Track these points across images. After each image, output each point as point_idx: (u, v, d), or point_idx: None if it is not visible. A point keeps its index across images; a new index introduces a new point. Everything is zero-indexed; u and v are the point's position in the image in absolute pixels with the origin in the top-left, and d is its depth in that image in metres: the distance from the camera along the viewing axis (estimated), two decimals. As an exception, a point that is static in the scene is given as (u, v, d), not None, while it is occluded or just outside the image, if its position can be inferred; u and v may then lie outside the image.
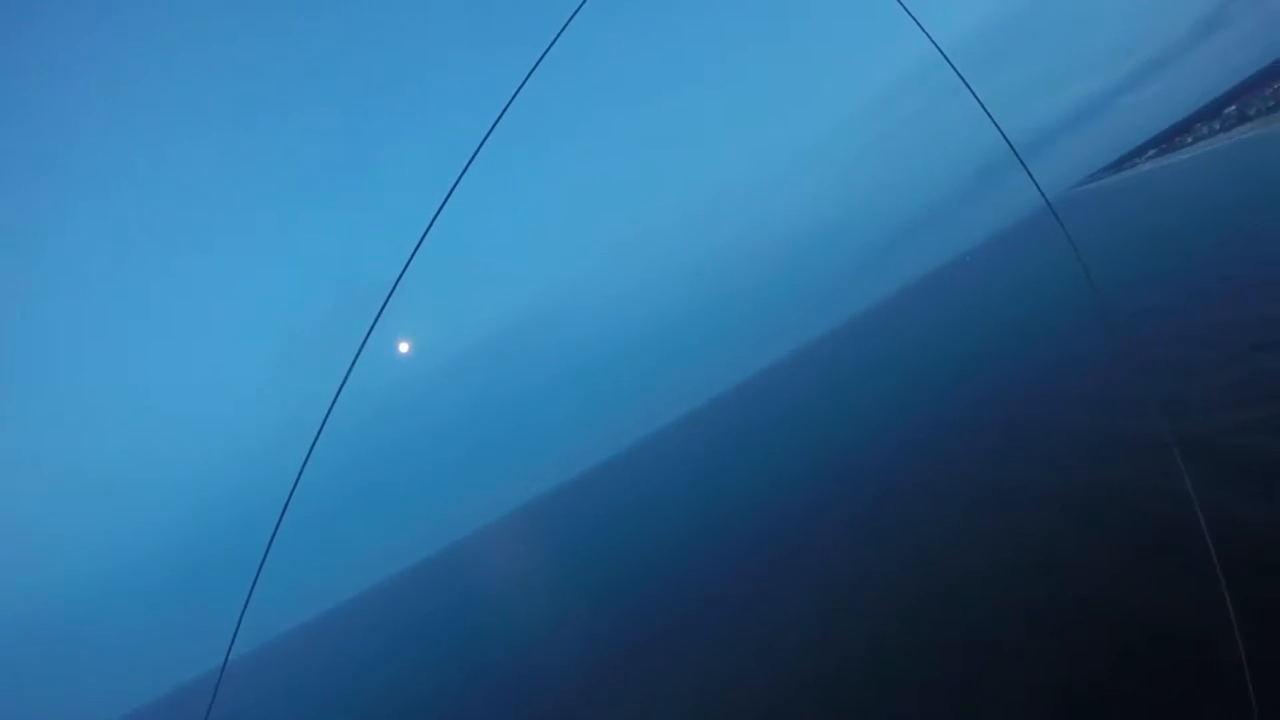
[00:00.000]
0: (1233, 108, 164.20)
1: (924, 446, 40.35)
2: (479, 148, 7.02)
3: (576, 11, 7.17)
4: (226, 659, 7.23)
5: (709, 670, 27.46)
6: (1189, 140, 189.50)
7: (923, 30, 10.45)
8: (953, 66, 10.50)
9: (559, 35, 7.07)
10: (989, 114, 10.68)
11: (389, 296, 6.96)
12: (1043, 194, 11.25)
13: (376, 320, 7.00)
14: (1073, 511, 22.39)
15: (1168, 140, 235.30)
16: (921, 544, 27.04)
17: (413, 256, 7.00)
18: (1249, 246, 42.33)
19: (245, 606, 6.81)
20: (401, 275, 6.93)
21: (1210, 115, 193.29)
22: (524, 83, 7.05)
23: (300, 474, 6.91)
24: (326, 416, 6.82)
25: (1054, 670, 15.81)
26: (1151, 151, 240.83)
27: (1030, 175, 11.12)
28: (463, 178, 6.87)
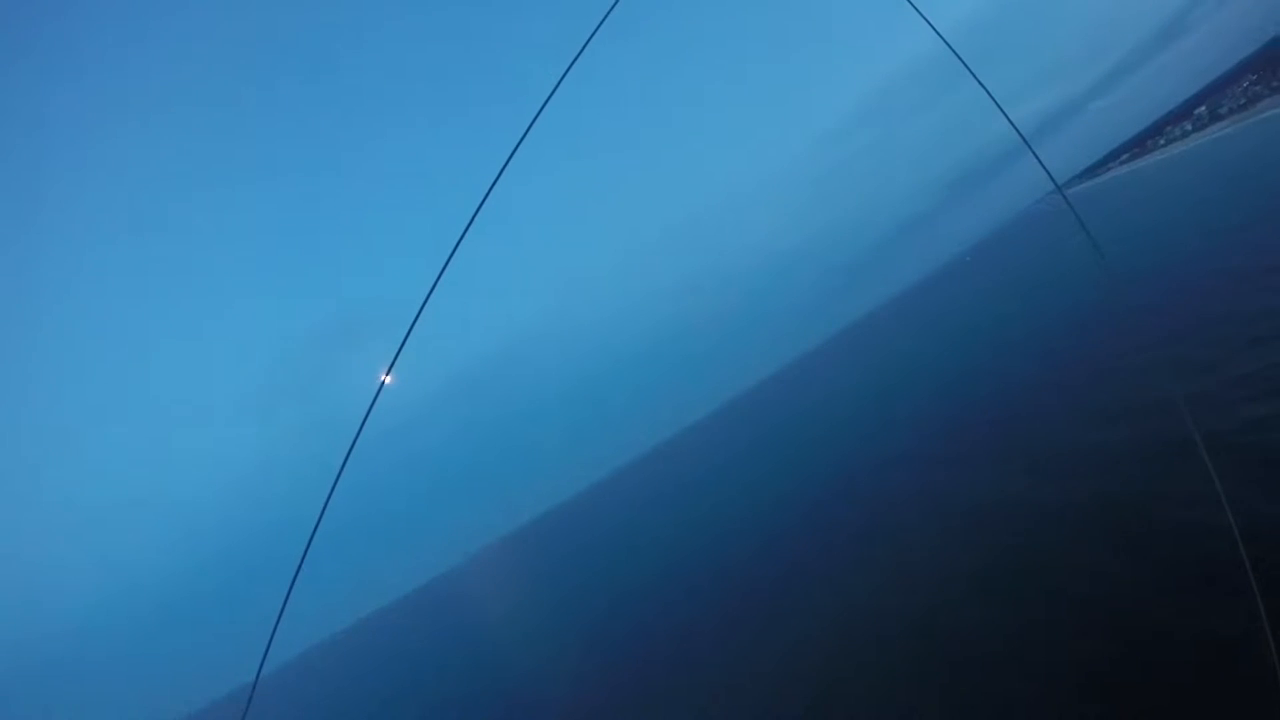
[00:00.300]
0: (1203, 108, 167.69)
1: (925, 454, 39.72)
2: (488, 192, 7.01)
3: (574, 62, 7.18)
4: (257, 678, 7.13)
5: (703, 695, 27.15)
6: (1161, 143, 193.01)
7: (933, 29, 10.57)
8: (960, 59, 10.60)
9: (558, 85, 7.07)
10: (996, 102, 10.78)
11: (409, 330, 6.93)
12: (1052, 179, 11.31)
13: (398, 354, 6.98)
14: (1087, 514, 21.68)
15: (1140, 144, 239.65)
16: (926, 558, 26.30)
17: (431, 292, 7.01)
18: (1233, 239, 42.49)
19: (273, 635, 6.77)
20: (421, 310, 6.92)
21: (1181, 117, 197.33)
22: (528, 130, 7.05)
23: (327, 502, 6.88)
24: (351, 448, 6.83)
25: (1073, 679, 15.41)
26: (1124, 156, 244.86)
27: (1040, 161, 11.17)
28: (475, 218, 6.87)
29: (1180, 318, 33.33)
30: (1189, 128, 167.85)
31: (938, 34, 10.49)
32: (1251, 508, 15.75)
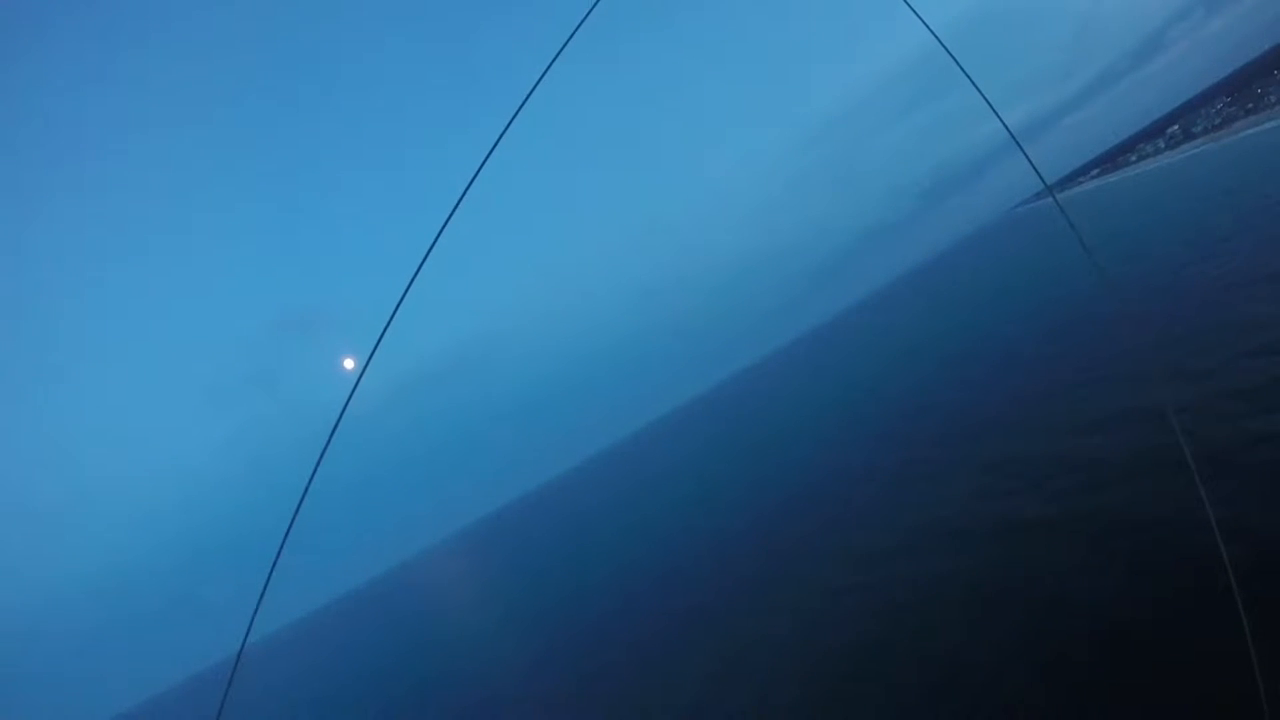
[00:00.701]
0: (1176, 127, 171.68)
1: (902, 459, 38.63)
2: (463, 194, 6.90)
3: (551, 64, 7.10)
4: (241, 652, 7.11)
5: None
6: (1133, 159, 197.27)
7: (929, 28, 10.61)
8: (954, 58, 10.63)
9: (535, 87, 6.98)
10: (988, 101, 10.82)
11: (387, 325, 6.84)
12: (1043, 180, 11.41)
13: (375, 349, 6.90)
14: (1071, 526, 21.07)
15: (1110, 160, 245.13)
16: (904, 566, 25.38)
17: (410, 286, 6.92)
18: (1217, 249, 42.78)
19: (257, 609, 6.76)
20: (399, 305, 6.84)
21: (1153, 134, 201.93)
22: (507, 127, 6.97)
23: (309, 484, 6.82)
24: (334, 430, 6.78)
25: (1056, 684, 15.28)
26: (1095, 171, 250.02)
27: (1030, 160, 11.26)
28: (449, 221, 6.79)
29: (1171, 324, 33.00)
30: (1161, 145, 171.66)
31: (933, 35, 10.45)
32: (1239, 522, 15.64)
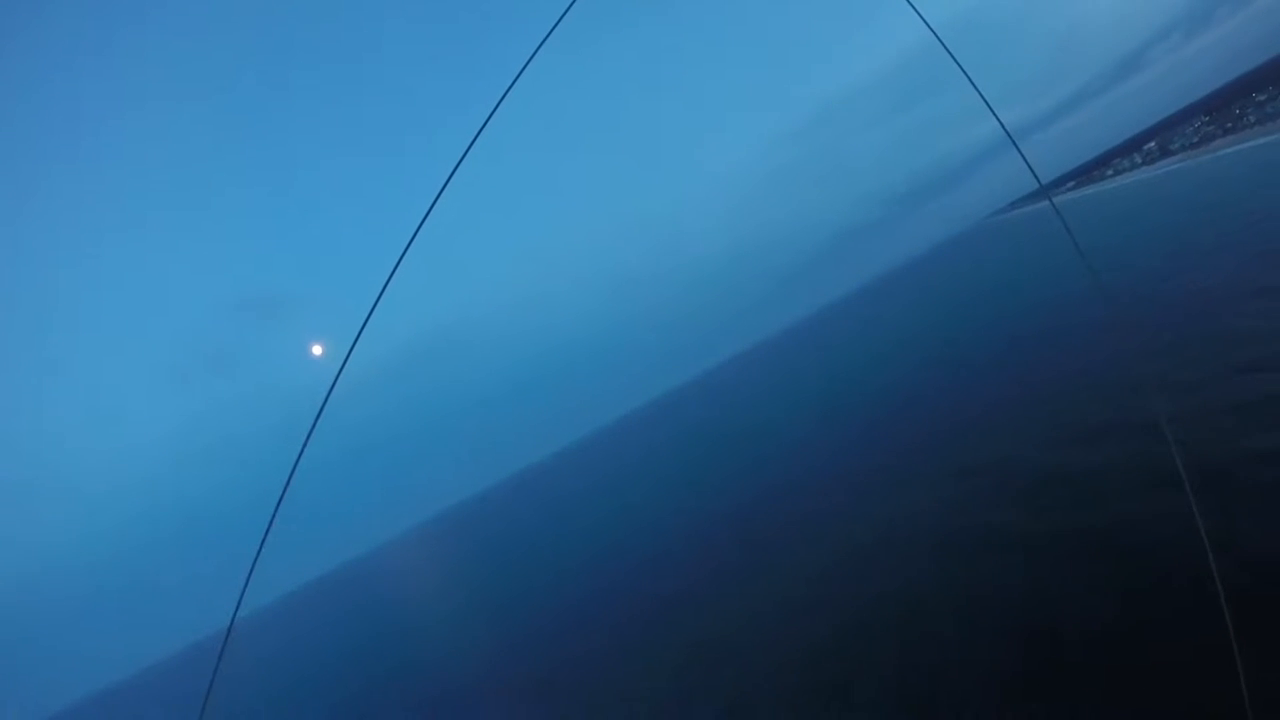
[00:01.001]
0: (1153, 143, 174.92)
1: (875, 466, 37.99)
2: (449, 177, 6.85)
3: (536, 52, 7.07)
4: (228, 636, 7.13)
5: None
6: (1109, 173, 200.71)
7: (930, 29, 10.66)
8: (952, 57, 10.69)
9: (520, 73, 6.97)
10: (986, 101, 10.91)
11: (370, 313, 6.83)
12: (1038, 179, 11.55)
13: (357, 339, 6.89)
14: (1058, 542, 20.68)
15: (1086, 173, 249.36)
16: (881, 581, 24.57)
17: (392, 275, 6.93)
18: (1200, 262, 43.12)
19: (243, 591, 6.79)
20: (383, 292, 6.86)
21: (1129, 150, 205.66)
22: (491, 115, 6.95)
23: (295, 467, 6.82)
24: (319, 415, 6.79)
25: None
26: (1071, 183, 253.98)
27: (1025, 160, 11.38)
28: (436, 202, 6.76)
29: (1158, 334, 33.01)
30: (1138, 160, 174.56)
31: (934, 34, 10.51)
32: (1230, 537, 15.73)
